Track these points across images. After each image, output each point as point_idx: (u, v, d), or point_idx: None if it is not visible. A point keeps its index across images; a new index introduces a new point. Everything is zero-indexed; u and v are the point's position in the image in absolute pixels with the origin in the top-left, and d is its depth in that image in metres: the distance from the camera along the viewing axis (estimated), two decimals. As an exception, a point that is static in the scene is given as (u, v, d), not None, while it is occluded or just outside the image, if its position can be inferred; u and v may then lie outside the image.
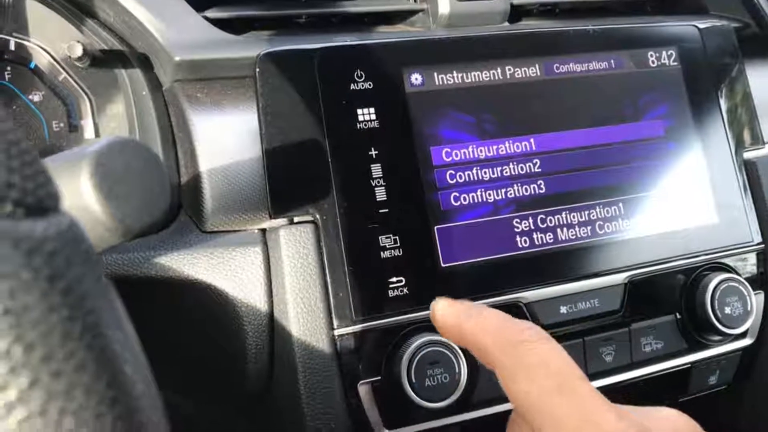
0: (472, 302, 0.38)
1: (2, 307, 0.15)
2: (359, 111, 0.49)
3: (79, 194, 0.28)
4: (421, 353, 0.46)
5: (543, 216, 0.52)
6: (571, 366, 0.33)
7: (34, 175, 0.16)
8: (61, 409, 0.15)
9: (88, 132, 0.53)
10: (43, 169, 0.17)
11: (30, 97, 0.53)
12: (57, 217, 0.17)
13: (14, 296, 0.15)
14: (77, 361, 0.16)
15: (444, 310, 0.38)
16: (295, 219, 0.48)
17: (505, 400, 0.43)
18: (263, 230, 0.48)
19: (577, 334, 0.52)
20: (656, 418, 0.32)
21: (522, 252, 0.51)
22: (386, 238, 0.48)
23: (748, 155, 0.60)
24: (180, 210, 0.50)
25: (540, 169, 0.52)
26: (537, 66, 0.54)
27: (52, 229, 0.16)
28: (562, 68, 0.54)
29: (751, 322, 0.55)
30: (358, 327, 0.46)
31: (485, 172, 0.51)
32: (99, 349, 0.16)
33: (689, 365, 0.56)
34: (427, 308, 0.47)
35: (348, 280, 0.47)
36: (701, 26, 0.60)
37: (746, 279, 0.55)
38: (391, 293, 0.47)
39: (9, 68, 0.52)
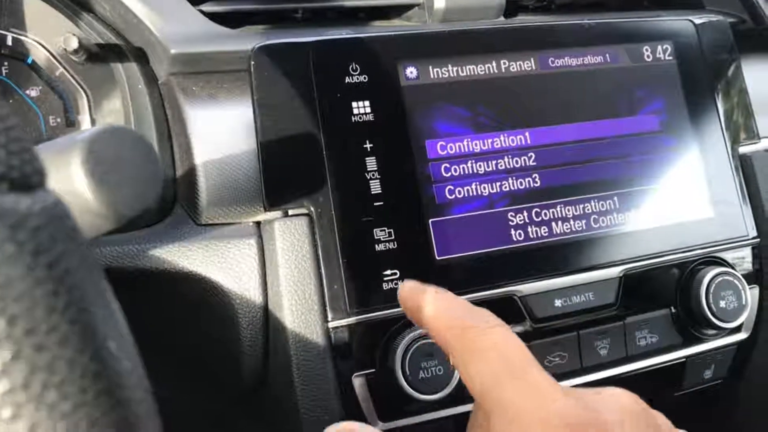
0: (436, 288, 0.38)
1: (-15, 279, 0.15)
2: (354, 104, 0.49)
3: (71, 180, 0.28)
4: (416, 346, 0.46)
5: (538, 209, 0.52)
6: (522, 351, 0.33)
7: (19, 152, 0.17)
8: (44, 382, 0.15)
9: (85, 127, 0.53)
10: (30, 146, 0.17)
11: (27, 92, 0.53)
12: (42, 194, 0.17)
13: (-3, 269, 0.15)
14: (60, 335, 0.16)
15: (407, 290, 0.38)
16: (290, 212, 0.48)
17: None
18: (258, 223, 0.49)
19: (572, 328, 0.52)
20: (603, 396, 0.32)
21: (517, 245, 0.51)
22: (381, 230, 0.48)
23: (743, 150, 0.60)
24: (175, 203, 0.50)
25: (535, 163, 0.52)
26: (532, 60, 0.54)
27: (37, 205, 0.16)
28: (558, 62, 0.55)
29: (746, 317, 0.55)
30: (352, 319, 0.46)
31: (480, 166, 0.51)
32: (83, 323, 0.16)
33: (684, 359, 0.56)
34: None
35: (342, 272, 0.47)
36: (697, 21, 0.60)
37: (741, 273, 0.55)
38: (385, 286, 0.47)
39: (6, 63, 0.53)
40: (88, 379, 0.16)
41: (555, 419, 0.30)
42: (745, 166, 0.59)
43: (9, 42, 0.53)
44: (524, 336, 0.50)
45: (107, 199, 0.28)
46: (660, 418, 0.33)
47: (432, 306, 0.36)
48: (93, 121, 0.53)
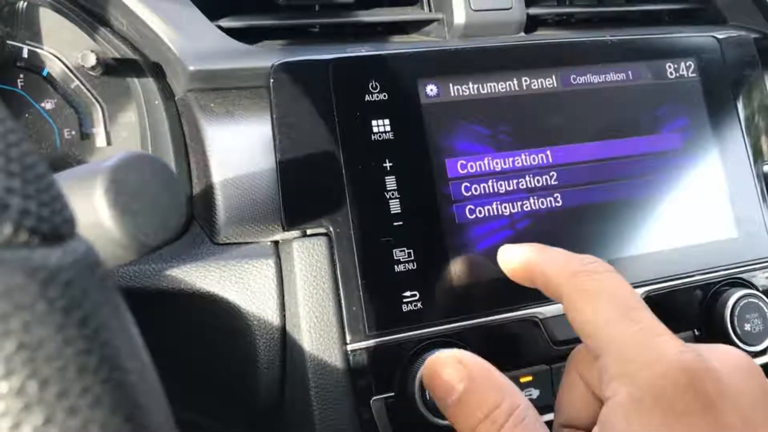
0: (536, 244, 0.39)
1: (17, 341, 0.14)
2: (374, 122, 0.48)
3: (93, 211, 0.27)
4: (435, 369, 0.45)
5: (558, 229, 0.51)
6: (634, 296, 0.33)
7: (50, 201, 0.16)
8: (76, 448, 0.15)
9: (100, 140, 0.53)
10: (60, 194, 0.17)
11: (42, 104, 0.52)
12: (73, 244, 0.16)
13: (29, 330, 0.14)
14: (93, 397, 0.15)
15: (509, 250, 0.40)
16: (309, 231, 0.47)
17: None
18: (276, 242, 0.48)
19: (593, 350, 0.51)
20: (717, 352, 0.32)
21: (538, 266, 0.50)
22: (400, 251, 0.47)
23: (767, 168, 0.59)
24: (192, 221, 0.50)
25: (556, 182, 0.51)
26: (554, 77, 0.53)
27: (69, 257, 0.16)
28: (579, 79, 0.54)
29: (771, 339, 0.54)
30: (371, 342, 0.46)
31: (501, 185, 0.50)
32: (116, 382, 0.16)
33: (707, 382, 0.55)
34: (442, 323, 0.47)
35: (361, 293, 0.46)
36: (720, 37, 0.59)
37: (766, 295, 0.54)
38: (404, 308, 0.46)
39: (22, 76, 0.52)
40: (121, 442, 0.15)
41: (669, 362, 0.29)
42: (769, 185, 0.58)
43: (25, 54, 0.52)
44: (546, 358, 0.49)
45: (130, 230, 0.27)
46: None
47: (539, 259, 0.38)
48: (107, 135, 0.53)
